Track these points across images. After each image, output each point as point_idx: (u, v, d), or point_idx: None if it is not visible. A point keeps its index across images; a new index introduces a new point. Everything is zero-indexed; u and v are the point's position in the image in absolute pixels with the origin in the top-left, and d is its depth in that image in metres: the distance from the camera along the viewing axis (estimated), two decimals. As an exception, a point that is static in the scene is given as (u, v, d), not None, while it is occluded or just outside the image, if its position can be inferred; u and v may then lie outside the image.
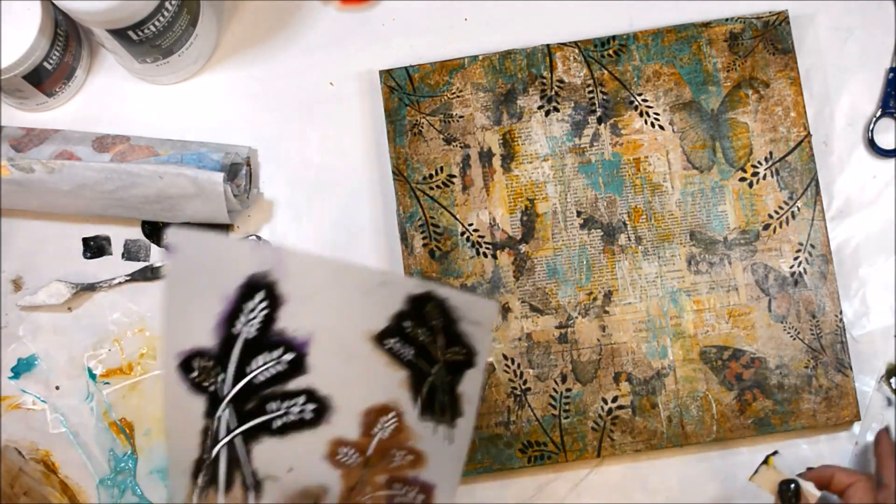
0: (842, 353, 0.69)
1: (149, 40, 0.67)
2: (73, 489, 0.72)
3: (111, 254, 0.75)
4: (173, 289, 0.62)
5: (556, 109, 0.72)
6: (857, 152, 0.73)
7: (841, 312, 0.69)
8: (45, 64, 0.70)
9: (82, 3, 0.63)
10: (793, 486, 0.61)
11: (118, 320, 0.74)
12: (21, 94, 0.72)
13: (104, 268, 0.74)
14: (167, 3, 0.66)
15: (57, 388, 0.73)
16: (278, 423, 0.63)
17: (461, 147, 0.72)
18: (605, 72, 0.72)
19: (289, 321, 0.61)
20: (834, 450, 0.70)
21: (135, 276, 0.74)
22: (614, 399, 0.69)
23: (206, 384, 0.64)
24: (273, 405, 0.63)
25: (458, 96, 0.72)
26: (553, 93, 0.72)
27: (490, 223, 0.71)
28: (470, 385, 0.62)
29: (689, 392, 0.69)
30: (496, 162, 0.72)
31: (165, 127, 0.75)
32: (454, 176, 0.72)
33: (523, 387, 0.70)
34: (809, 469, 0.65)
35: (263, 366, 0.62)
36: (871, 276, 0.72)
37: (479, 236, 0.71)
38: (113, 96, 0.76)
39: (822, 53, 0.74)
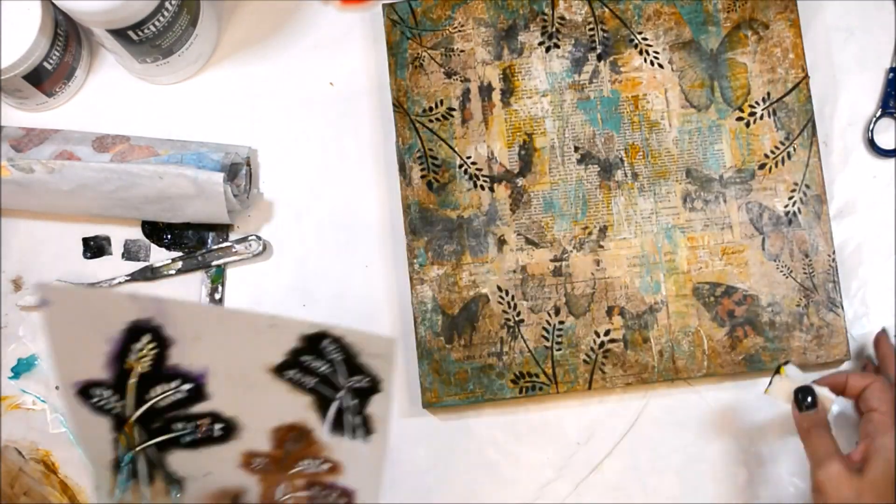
0: (833, 293, 0.69)
1: (149, 40, 0.67)
2: (73, 489, 0.72)
3: (111, 254, 0.75)
4: (53, 336, 0.60)
5: (557, 46, 0.72)
6: (857, 152, 0.73)
7: (834, 252, 0.70)
8: (45, 64, 0.70)
9: (82, 3, 0.63)
10: (809, 395, 0.61)
11: (118, 320, 0.74)
12: (21, 94, 0.72)
13: (104, 268, 0.74)
14: (167, 3, 0.66)
15: (57, 388, 0.73)
16: (187, 438, 0.63)
17: (461, 81, 0.72)
18: (606, 10, 0.72)
19: (181, 358, 0.61)
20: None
21: (135, 276, 0.74)
22: (606, 332, 0.70)
23: (107, 408, 0.63)
24: (179, 425, 0.63)
25: (459, 31, 0.73)
26: (554, 29, 0.72)
27: (488, 156, 0.72)
28: (379, 407, 0.62)
29: (681, 327, 0.70)
30: (496, 96, 0.72)
31: (165, 127, 0.75)
32: (454, 109, 0.72)
33: (517, 318, 0.70)
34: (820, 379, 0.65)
35: (163, 394, 0.62)
36: (871, 276, 0.72)
37: (477, 169, 0.72)
38: (113, 96, 0.76)
39: (822, 53, 0.74)
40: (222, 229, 0.74)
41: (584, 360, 0.70)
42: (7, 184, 0.69)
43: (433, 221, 0.71)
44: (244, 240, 0.73)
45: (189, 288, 0.74)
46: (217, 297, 0.73)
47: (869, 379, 0.62)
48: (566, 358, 0.70)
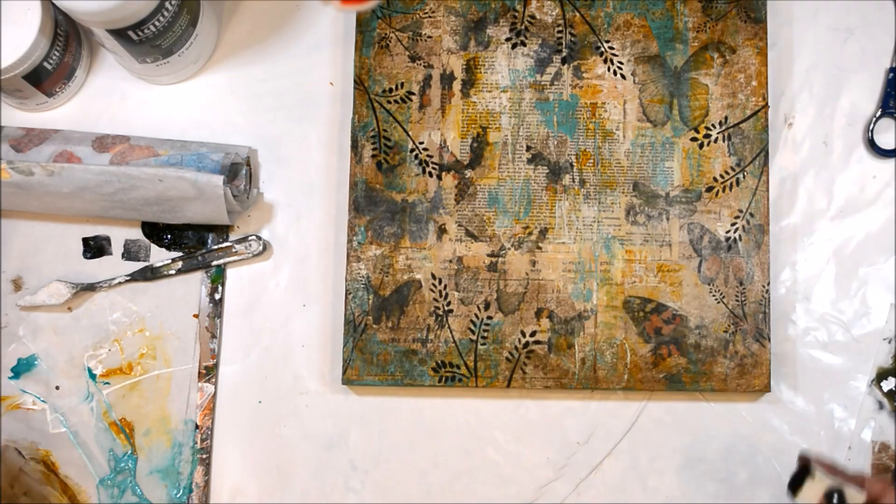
0: (762, 324, 0.69)
1: (149, 40, 0.67)
2: (73, 489, 0.72)
3: (111, 254, 0.75)
4: None
5: (523, 44, 0.72)
6: (857, 152, 0.73)
7: (768, 284, 0.70)
8: (45, 64, 0.70)
9: (82, 3, 0.63)
10: (836, 496, 0.59)
11: (118, 320, 0.74)
12: (21, 94, 0.72)
13: (104, 268, 0.74)
14: (167, 3, 0.66)
15: (57, 388, 0.73)
16: None
17: (424, 66, 0.73)
18: (578, 14, 0.72)
19: None
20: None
21: (135, 276, 0.74)
22: (532, 333, 0.70)
23: None
24: None
25: (430, 17, 0.73)
26: (523, 27, 0.73)
27: (440, 144, 0.72)
28: None
29: (607, 338, 0.70)
30: (456, 86, 0.72)
31: (165, 127, 0.75)
32: (413, 93, 0.72)
33: (446, 307, 0.70)
34: (821, 466, 0.62)
35: None
36: (871, 276, 0.72)
37: (428, 156, 0.72)
38: (113, 96, 0.76)
39: (822, 53, 0.74)
40: (222, 229, 0.74)
41: (507, 358, 0.70)
42: (7, 186, 0.69)
43: (377, 202, 0.71)
44: (244, 240, 0.73)
45: (189, 288, 0.74)
46: (217, 297, 0.73)
47: (883, 484, 0.60)
48: (489, 353, 0.70)
